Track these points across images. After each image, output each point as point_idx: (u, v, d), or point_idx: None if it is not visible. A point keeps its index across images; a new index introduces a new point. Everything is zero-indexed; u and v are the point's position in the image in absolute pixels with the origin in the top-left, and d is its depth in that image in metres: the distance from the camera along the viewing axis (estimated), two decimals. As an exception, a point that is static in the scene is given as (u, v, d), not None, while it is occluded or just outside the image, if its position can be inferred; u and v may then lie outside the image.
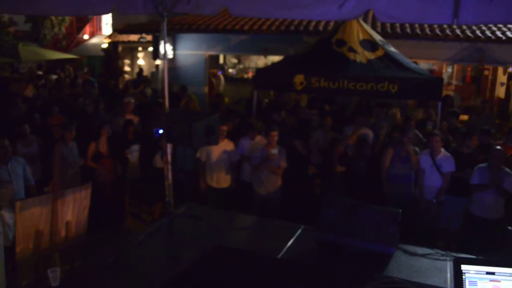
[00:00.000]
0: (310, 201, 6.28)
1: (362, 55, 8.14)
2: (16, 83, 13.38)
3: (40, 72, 16.82)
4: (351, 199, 4.24)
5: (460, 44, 10.79)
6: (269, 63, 15.00)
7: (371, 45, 8.33)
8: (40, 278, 4.70)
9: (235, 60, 17.17)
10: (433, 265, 3.73)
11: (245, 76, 16.61)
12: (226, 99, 12.76)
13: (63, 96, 11.24)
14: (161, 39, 8.23)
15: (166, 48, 5.39)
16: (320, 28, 11.46)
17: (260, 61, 16.54)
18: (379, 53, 8.26)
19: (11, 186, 5.74)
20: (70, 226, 4.82)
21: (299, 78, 7.97)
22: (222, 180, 7.01)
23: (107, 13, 4.76)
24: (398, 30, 11.09)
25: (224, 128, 6.82)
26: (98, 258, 3.66)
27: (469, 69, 15.73)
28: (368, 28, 8.69)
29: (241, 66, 17.35)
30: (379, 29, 10.59)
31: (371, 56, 8.17)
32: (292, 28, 11.65)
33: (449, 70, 15.22)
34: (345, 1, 4.09)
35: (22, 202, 4.44)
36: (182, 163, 7.03)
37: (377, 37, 8.60)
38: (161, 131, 4.99)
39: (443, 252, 3.92)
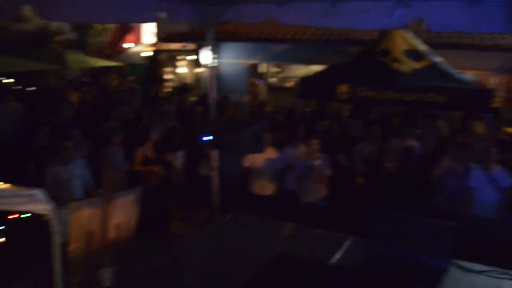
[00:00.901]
0: (356, 211, 6.22)
1: (407, 65, 8.01)
2: (63, 90, 13.75)
3: (85, 80, 17.27)
4: (403, 211, 4.14)
5: (507, 54, 10.49)
6: (310, 72, 14.94)
7: (416, 55, 8.20)
8: (90, 277, 4.82)
9: (276, 69, 17.18)
10: (489, 283, 3.61)
11: (286, 85, 16.59)
12: (268, 108, 12.77)
13: (107, 103, 11.49)
14: (206, 47, 8.34)
15: (211, 56, 5.46)
16: (363, 38, 11.36)
17: (301, 70, 16.45)
18: (425, 63, 8.12)
19: (70, 185, 5.95)
20: (120, 228, 4.90)
21: (343, 88, 7.91)
22: (265, 187, 7.01)
23: (156, 21, 4.86)
24: (445, 39, 10.88)
25: (269, 136, 6.82)
26: (149, 261, 3.70)
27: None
28: (413, 38, 8.55)
29: (282, 75, 17.34)
30: (424, 38, 10.40)
31: (416, 66, 8.03)
32: (334, 37, 11.59)
33: (495, 81, 14.77)
34: (394, 10, 4.06)
35: (76, 203, 4.56)
36: (229, 170, 7.07)
37: (423, 47, 8.46)
38: (207, 138, 5.04)
39: (501, 270, 3.79)
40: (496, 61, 10.96)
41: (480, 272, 3.71)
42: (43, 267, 5.73)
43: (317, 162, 6.48)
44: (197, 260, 3.80)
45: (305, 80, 8.87)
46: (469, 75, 9.24)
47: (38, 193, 3.94)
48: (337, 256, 3.89)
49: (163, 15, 4.48)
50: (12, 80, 15.97)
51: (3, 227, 4.18)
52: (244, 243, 4.18)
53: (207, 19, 4.86)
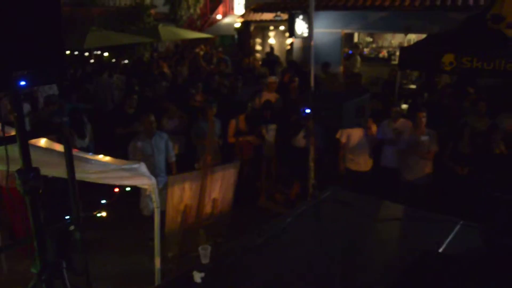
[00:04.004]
0: (460, 192, 5.79)
1: (525, 32, 7.22)
2: (156, 62, 14.10)
3: (177, 51, 17.62)
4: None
5: None
6: (406, 42, 14.16)
7: (534, 20, 7.37)
8: (186, 252, 4.86)
9: (369, 39, 16.47)
10: None
11: (380, 55, 15.88)
12: (362, 79, 12.29)
13: (201, 74, 11.59)
14: (300, 17, 8.03)
15: (307, 26, 5.20)
16: (471, 2, 10.48)
17: (395, 40, 15.67)
18: (545, 29, 7.28)
19: (153, 159, 6.01)
20: (217, 203, 4.88)
21: (448, 58, 7.28)
22: (362, 163, 6.75)
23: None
24: None
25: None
26: (246, 239, 3.59)
27: None
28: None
29: (374, 45, 16.61)
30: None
31: (535, 33, 7.22)
32: (438, 3, 10.79)
33: None
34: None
35: (174, 177, 4.57)
36: (324, 143, 6.86)
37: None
38: (308, 111, 4.84)
39: None
40: None
41: None
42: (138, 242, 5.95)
43: (424, 138, 6.07)
44: (295, 242, 3.63)
45: (406, 50, 8.32)
46: None
47: (141, 166, 3.95)
48: (447, 242, 3.57)
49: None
50: (107, 54, 16.64)
51: (104, 201, 4.26)
52: (346, 223, 3.96)
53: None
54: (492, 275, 2.95)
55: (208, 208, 4.87)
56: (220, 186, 4.87)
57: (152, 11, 20.59)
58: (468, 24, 7.91)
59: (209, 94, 8.52)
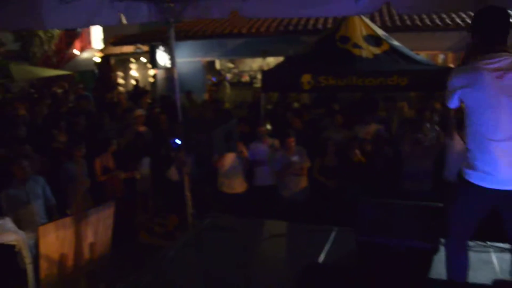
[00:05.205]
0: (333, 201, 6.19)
1: (368, 51, 7.98)
2: (10, 103, 13.08)
3: (33, 90, 16.56)
4: (387, 198, 4.07)
5: (459, 33, 10.69)
6: (265, 65, 14.88)
7: (375, 40, 8.18)
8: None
9: (230, 65, 17.01)
10: (479, 258, 3.61)
11: (242, 80, 16.47)
12: (227, 104, 12.60)
13: (62, 113, 10.97)
14: (162, 48, 8.06)
15: (169, 57, 5.25)
16: (319, 26, 11.35)
17: (255, 63, 16.39)
18: (384, 47, 8.11)
19: (30, 206, 5.56)
20: (94, 248, 4.64)
21: (306, 78, 7.79)
22: (237, 186, 6.86)
23: (115, 23, 4.58)
24: (398, 22, 11.01)
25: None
26: (134, 280, 3.47)
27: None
28: (370, 23, 8.56)
29: (236, 70, 17.20)
30: (378, 23, 10.48)
31: (376, 51, 8.02)
32: (290, 28, 11.53)
33: (442, 56, 15.06)
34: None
35: (45, 227, 4.26)
36: (198, 172, 6.87)
37: (380, 32, 8.47)
38: (178, 142, 4.84)
39: (486, 243, 3.80)
40: (450, 41, 11.18)
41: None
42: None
43: (295, 158, 6.40)
44: (184, 272, 3.59)
45: (267, 73, 8.72)
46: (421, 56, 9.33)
47: (6, 222, 3.62)
48: (327, 250, 3.79)
49: (121, 16, 4.23)
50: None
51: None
52: (230, 248, 4.01)
53: (167, 17, 4.63)
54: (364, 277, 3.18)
55: (86, 255, 4.61)
56: (96, 229, 4.64)
57: (1, 49, 19.20)
58: (320, 46, 8.55)
59: (73, 134, 8.09)
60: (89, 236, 4.57)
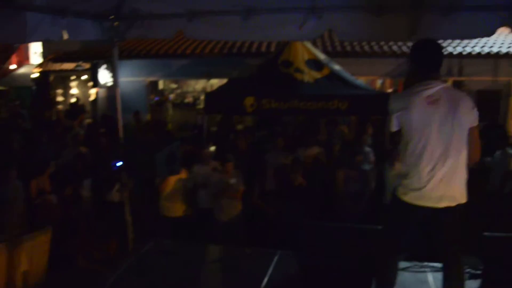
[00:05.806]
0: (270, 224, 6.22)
1: (309, 75, 8.18)
2: None
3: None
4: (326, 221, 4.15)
5: (396, 60, 11.19)
6: (209, 86, 14.92)
7: (316, 64, 8.40)
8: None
9: (174, 85, 16.91)
10: (416, 278, 3.73)
11: (185, 101, 16.41)
12: (169, 125, 12.49)
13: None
14: (104, 66, 7.92)
15: (111, 75, 5.17)
16: (263, 50, 11.53)
17: (199, 85, 16.41)
18: (325, 72, 8.34)
19: None
20: (28, 276, 4.41)
21: (249, 100, 7.88)
22: (177, 209, 6.73)
23: (57, 39, 4.45)
24: (339, 48, 11.38)
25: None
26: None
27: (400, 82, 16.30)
28: (312, 47, 8.78)
29: (179, 91, 17.12)
30: (320, 49, 10.78)
31: (317, 75, 8.23)
32: (234, 50, 11.64)
33: (380, 81, 15.66)
34: (305, 22, 4.09)
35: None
36: (140, 194, 6.72)
37: (322, 56, 8.72)
38: (119, 164, 4.73)
39: (423, 264, 3.93)
40: (387, 67, 11.67)
41: (404, 269, 3.82)
42: None
43: (233, 180, 6.38)
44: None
45: (211, 95, 8.74)
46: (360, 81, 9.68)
47: None
48: (269, 274, 3.80)
49: (63, 33, 4.12)
50: None
51: None
52: (172, 273, 3.94)
53: (111, 35, 4.56)
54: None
55: (19, 284, 4.37)
56: (31, 256, 4.42)
57: None
58: (264, 69, 8.69)
59: (5, 154, 7.72)
60: (23, 264, 4.34)
